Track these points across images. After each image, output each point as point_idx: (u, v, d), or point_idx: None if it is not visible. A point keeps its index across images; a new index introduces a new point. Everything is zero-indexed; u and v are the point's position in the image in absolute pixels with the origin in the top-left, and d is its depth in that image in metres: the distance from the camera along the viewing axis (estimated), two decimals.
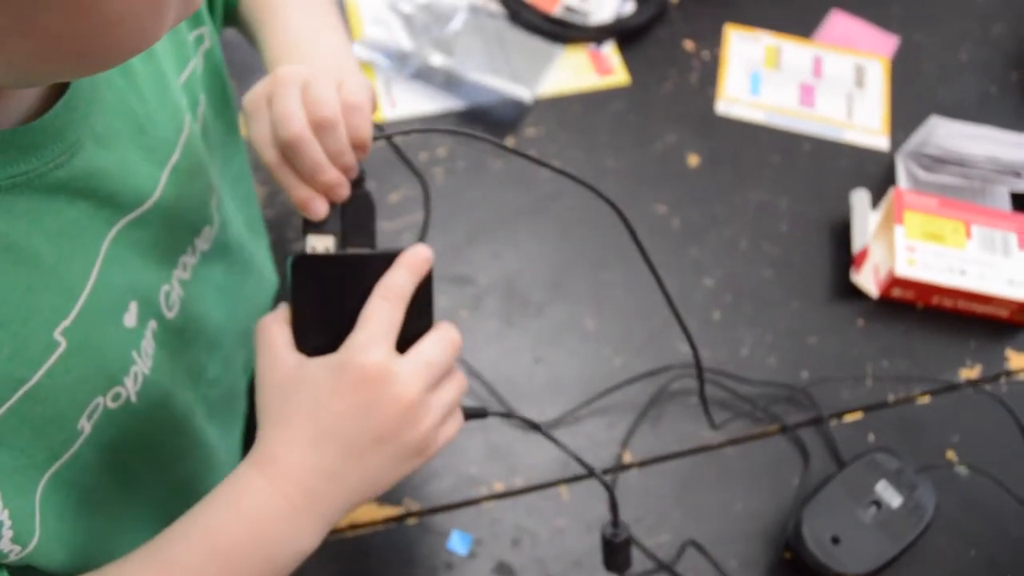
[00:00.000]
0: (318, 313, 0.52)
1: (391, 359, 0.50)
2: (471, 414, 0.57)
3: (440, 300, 0.82)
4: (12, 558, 0.43)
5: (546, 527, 0.72)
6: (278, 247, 0.85)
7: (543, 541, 0.72)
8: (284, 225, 0.87)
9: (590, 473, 0.57)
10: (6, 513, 0.41)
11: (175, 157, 0.50)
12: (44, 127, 0.40)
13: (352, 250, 0.54)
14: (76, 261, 0.43)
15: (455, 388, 0.54)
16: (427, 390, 0.51)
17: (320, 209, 0.51)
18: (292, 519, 0.49)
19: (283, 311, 0.53)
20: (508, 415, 0.57)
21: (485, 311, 0.82)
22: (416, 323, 0.53)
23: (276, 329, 0.51)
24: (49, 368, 0.42)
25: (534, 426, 0.58)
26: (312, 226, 0.53)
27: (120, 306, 0.47)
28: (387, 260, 0.53)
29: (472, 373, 0.78)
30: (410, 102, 0.95)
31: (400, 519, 0.72)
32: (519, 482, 0.74)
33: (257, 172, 0.90)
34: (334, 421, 0.49)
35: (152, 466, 0.56)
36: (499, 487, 0.74)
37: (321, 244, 0.53)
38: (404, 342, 0.52)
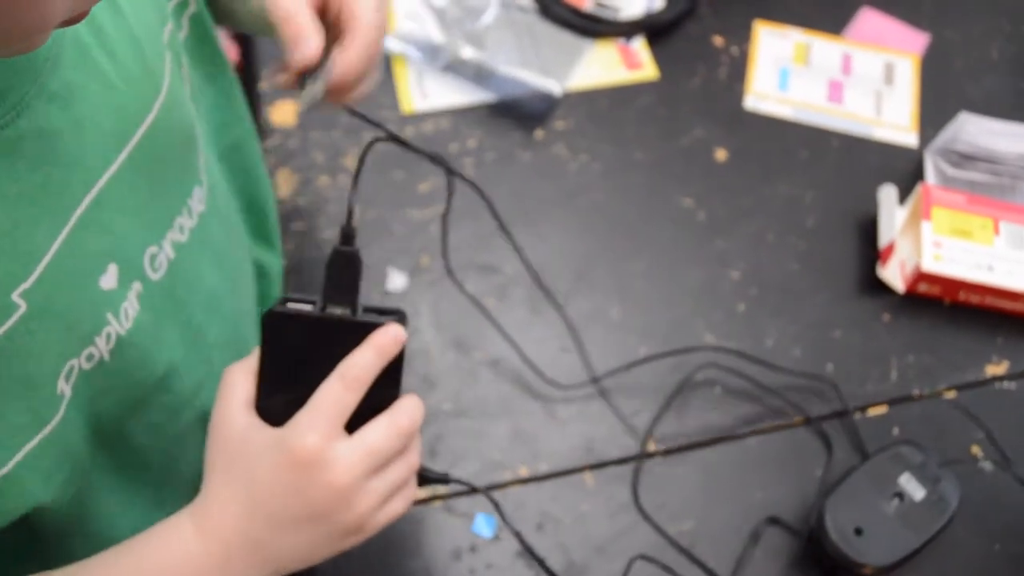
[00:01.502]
0: (282, 372, 0.52)
1: (329, 445, 0.50)
2: (432, 479, 0.58)
3: (467, 288, 0.83)
4: None
5: (570, 513, 0.73)
6: (309, 235, 0.86)
7: (566, 526, 0.73)
8: (317, 213, 0.89)
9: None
10: None
11: (151, 117, 0.49)
12: None
13: (330, 310, 0.52)
14: (40, 226, 0.43)
15: (403, 470, 0.53)
16: (365, 476, 0.51)
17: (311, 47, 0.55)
18: (206, 573, 0.50)
19: (252, 361, 0.53)
20: (472, 489, 0.57)
21: (512, 300, 0.83)
22: (379, 399, 0.52)
23: (238, 380, 0.52)
24: (8, 329, 0.42)
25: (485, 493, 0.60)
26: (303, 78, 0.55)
27: (95, 268, 0.47)
28: (359, 332, 0.51)
29: (496, 361, 0.80)
30: (441, 94, 0.96)
31: (425, 501, 0.73)
32: (544, 467, 0.75)
33: (291, 160, 0.91)
34: (266, 496, 0.50)
35: (146, 428, 0.56)
36: (524, 472, 0.75)
37: (312, 92, 0.53)
38: (362, 419, 0.51)
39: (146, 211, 0.51)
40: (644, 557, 0.70)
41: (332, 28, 0.59)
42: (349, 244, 0.53)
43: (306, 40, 0.54)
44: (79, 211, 0.45)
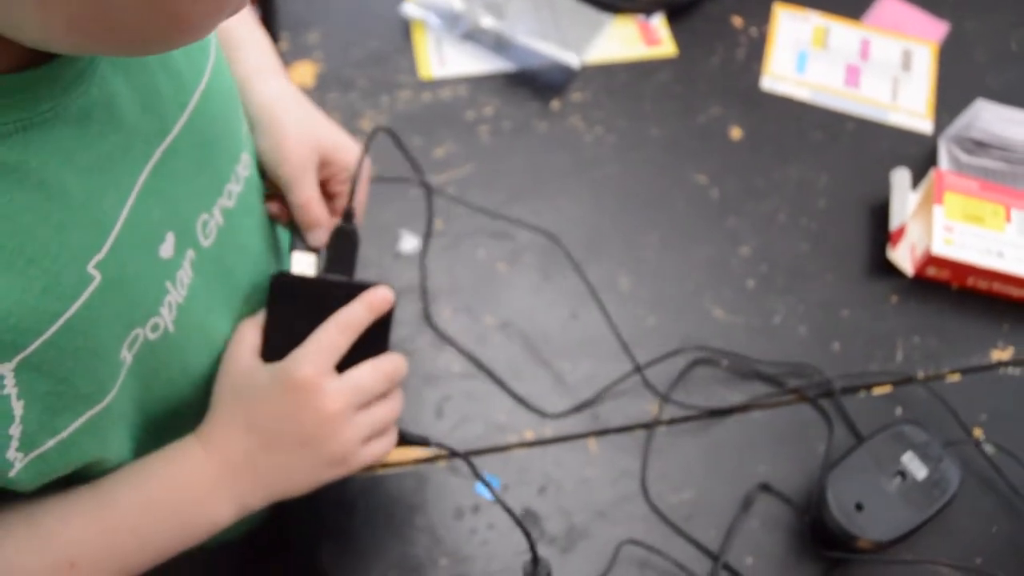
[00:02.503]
0: (285, 327, 0.59)
1: (321, 375, 0.57)
2: (412, 440, 0.63)
3: (479, 253, 0.84)
4: (16, 466, 0.44)
5: (572, 477, 0.74)
6: None
7: (568, 491, 0.73)
8: None
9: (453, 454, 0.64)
10: (19, 429, 0.42)
11: (203, 82, 0.51)
12: (66, 60, 0.40)
13: (329, 276, 0.61)
14: (108, 196, 0.44)
15: (386, 410, 0.60)
16: (351, 408, 0.57)
17: (323, 236, 0.63)
18: (214, 486, 0.56)
19: (260, 317, 0.60)
20: (452, 453, 0.61)
21: (523, 265, 0.84)
22: (367, 352, 0.59)
23: (247, 333, 0.59)
24: (85, 301, 0.43)
25: (465, 458, 0.62)
26: (300, 245, 0.64)
27: (156, 238, 0.48)
28: (353, 291, 0.59)
29: (507, 324, 0.80)
30: (459, 62, 0.96)
31: (430, 460, 0.74)
32: (548, 432, 0.76)
33: None
34: (264, 419, 0.57)
35: (196, 392, 0.58)
36: (529, 436, 0.75)
37: (305, 260, 0.62)
38: (351, 366, 0.58)
39: (199, 178, 0.52)
40: (633, 541, 0.71)
41: (329, 184, 0.67)
42: (349, 222, 0.62)
43: (319, 229, 0.64)
44: (141, 179, 0.46)
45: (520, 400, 0.77)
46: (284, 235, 0.72)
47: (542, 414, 0.76)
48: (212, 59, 0.52)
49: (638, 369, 0.78)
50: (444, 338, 0.79)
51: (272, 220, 0.65)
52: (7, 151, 0.38)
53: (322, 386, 0.56)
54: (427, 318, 0.80)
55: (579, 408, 0.76)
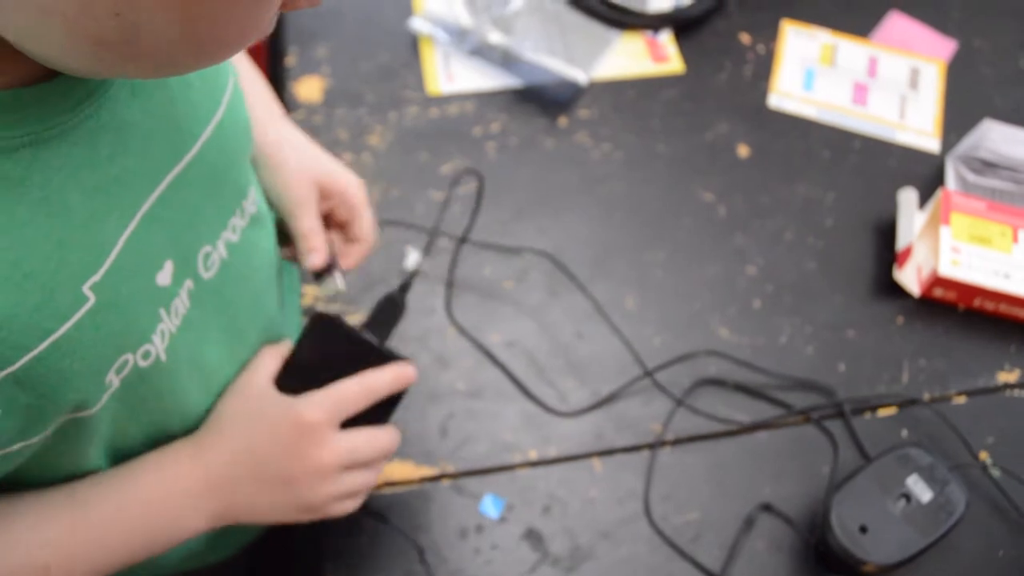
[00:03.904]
0: (307, 363, 0.61)
1: (327, 425, 0.58)
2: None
3: (486, 270, 0.84)
4: None
5: (577, 497, 0.74)
6: None
7: (573, 511, 0.73)
8: None
9: None
10: None
11: (219, 114, 0.51)
12: (75, 79, 0.40)
13: (365, 334, 0.62)
14: (111, 218, 0.44)
15: (365, 479, 0.61)
16: (340, 466, 0.59)
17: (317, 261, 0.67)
18: (191, 501, 0.56)
19: (284, 347, 0.62)
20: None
21: (530, 283, 0.84)
22: (371, 419, 0.61)
23: (268, 359, 0.61)
24: (77, 321, 0.42)
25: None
26: (320, 275, 0.68)
27: (154, 265, 0.48)
28: (384, 358, 0.61)
29: (512, 343, 0.80)
30: (467, 78, 0.97)
31: (434, 479, 0.74)
32: (553, 452, 0.76)
33: (315, 136, 0.92)
34: (259, 446, 0.58)
35: (182, 422, 0.58)
36: (533, 455, 0.75)
37: (341, 280, 0.67)
38: (351, 425, 0.60)
39: (204, 209, 0.52)
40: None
41: (335, 214, 0.69)
42: (402, 294, 0.66)
43: (317, 255, 0.67)
44: (145, 206, 0.46)
45: (537, 401, 0.77)
46: (288, 275, 0.72)
47: (556, 412, 0.76)
48: (229, 92, 0.52)
49: (648, 374, 0.78)
50: (463, 332, 0.79)
51: (280, 258, 0.66)
52: (12, 165, 0.38)
53: (324, 436, 0.58)
54: (448, 313, 0.80)
55: (592, 408, 0.76)
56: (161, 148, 0.46)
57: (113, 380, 0.47)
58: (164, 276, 0.49)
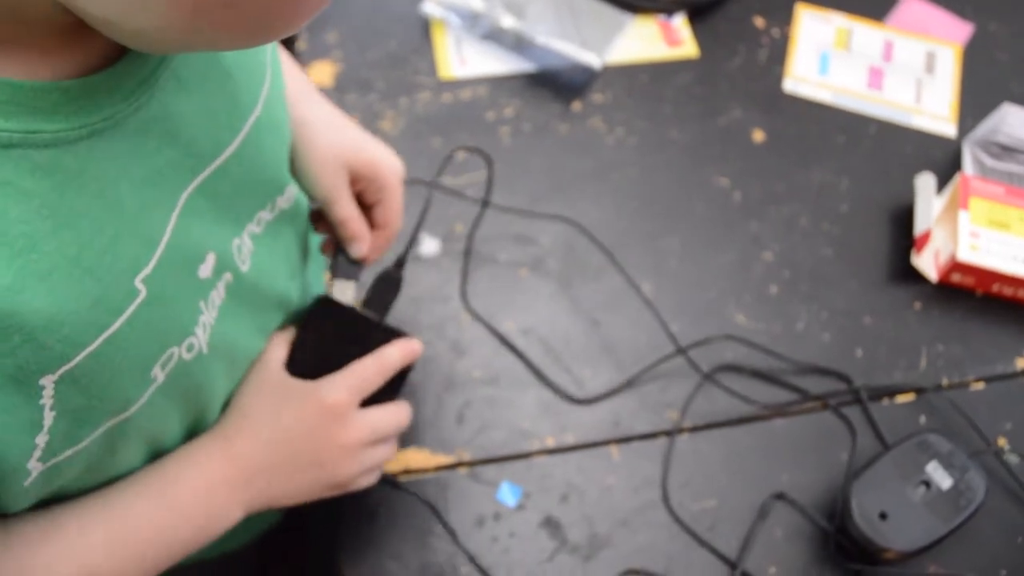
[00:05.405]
0: (313, 347, 0.62)
1: (350, 405, 0.61)
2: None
3: (501, 258, 0.83)
4: (33, 475, 0.43)
5: (595, 485, 0.73)
6: None
7: (591, 498, 0.73)
8: None
9: None
10: (45, 439, 0.42)
11: (258, 110, 0.51)
12: (127, 68, 0.40)
13: (366, 313, 0.64)
14: (157, 210, 0.44)
15: (384, 453, 0.64)
16: (363, 443, 0.61)
17: (363, 249, 0.67)
18: (230, 494, 0.57)
19: (288, 333, 0.62)
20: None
21: (545, 271, 0.83)
22: (383, 395, 0.63)
23: (275, 346, 0.61)
24: (129, 316, 0.42)
25: None
26: (341, 272, 0.67)
27: (197, 257, 0.48)
28: (388, 335, 0.63)
29: (528, 330, 0.80)
30: (480, 62, 0.96)
31: (452, 467, 0.74)
32: (570, 439, 0.75)
33: None
34: (287, 433, 0.59)
35: (212, 411, 0.58)
36: (550, 442, 0.75)
37: (346, 289, 0.66)
38: (366, 404, 0.62)
39: (236, 202, 0.51)
40: (633, 571, 0.70)
41: (365, 196, 0.68)
42: (398, 270, 0.67)
43: (361, 241, 0.67)
44: (184, 197, 0.46)
45: (553, 388, 0.76)
46: (314, 265, 0.71)
47: (573, 400, 0.76)
48: (266, 88, 0.52)
49: (681, 351, 0.78)
50: (478, 319, 0.79)
51: (302, 249, 0.65)
52: (72, 158, 0.38)
53: (348, 415, 0.60)
54: (463, 300, 0.80)
55: (609, 394, 0.76)
56: (203, 141, 0.46)
57: (158, 375, 0.47)
58: (206, 268, 0.49)
